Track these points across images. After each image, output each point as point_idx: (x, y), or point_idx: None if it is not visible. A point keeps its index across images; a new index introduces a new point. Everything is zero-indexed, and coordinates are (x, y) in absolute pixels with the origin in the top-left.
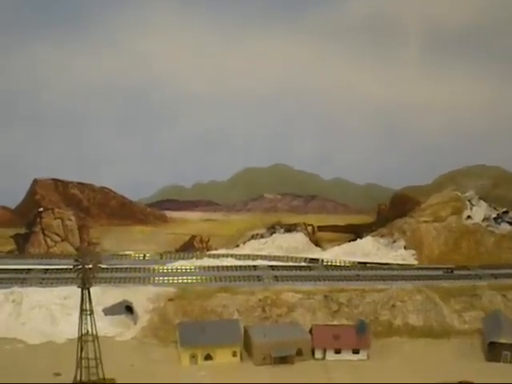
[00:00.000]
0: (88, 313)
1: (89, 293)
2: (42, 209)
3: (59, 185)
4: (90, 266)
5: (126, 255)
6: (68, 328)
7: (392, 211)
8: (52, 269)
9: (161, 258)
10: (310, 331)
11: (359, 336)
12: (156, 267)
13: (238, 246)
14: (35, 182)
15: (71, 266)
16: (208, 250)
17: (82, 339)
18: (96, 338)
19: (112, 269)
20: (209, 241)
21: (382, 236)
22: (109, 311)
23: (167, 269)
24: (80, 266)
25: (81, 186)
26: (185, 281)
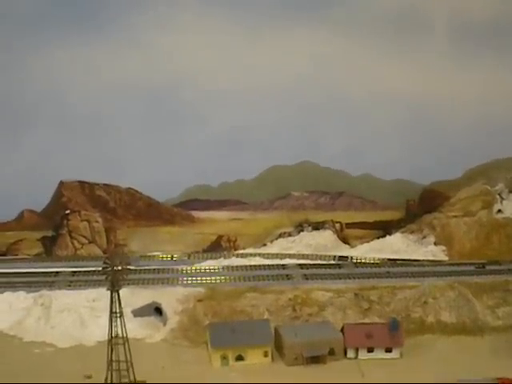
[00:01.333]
0: (118, 315)
1: (118, 295)
2: (68, 211)
3: (85, 187)
4: (119, 267)
5: (154, 256)
6: (97, 331)
7: (421, 207)
8: (80, 271)
9: (188, 259)
10: (342, 330)
11: (392, 334)
12: (184, 268)
13: (265, 244)
14: (61, 184)
15: (99, 268)
16: (235, 250)
17: (112, 341)
18: (126, 340)
19: (140, 270)
20: (236, 240)
21: (412, 232)
22: (138, 313)
23: (195, 269)
24: (109, 268)
25: (107, 187)
26: (213, 281)
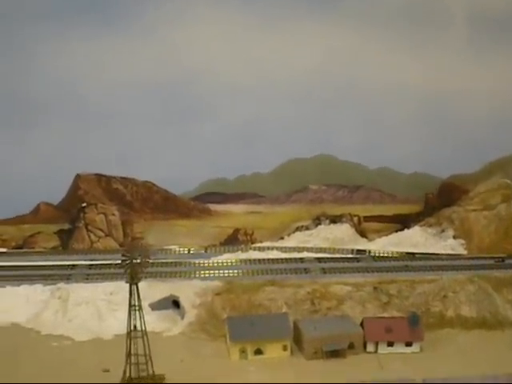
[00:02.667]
0: (137, 308)
1: (137, 288)
2: (85, 204)
3: (102, 180)
4: (139, 260)
5: (171, 249)
6: (115, 324)
7: (439, 200)
8: (97, 264)
9: (206, 252)
10: (361, 324)
11: (412, 328)
12: (201, 261)
13: (282, 238)
14: (78, 177)
15: (116, 262)
16: (252, 243)
17: (131, 335)
18: (145, 333)
19: (157, 263)
20: (253, 234)
21: (430, 226)
22: (156, 306)
23: (213, 262)
24: (128, 261)
25: (124, 180)
26: (231, 274)
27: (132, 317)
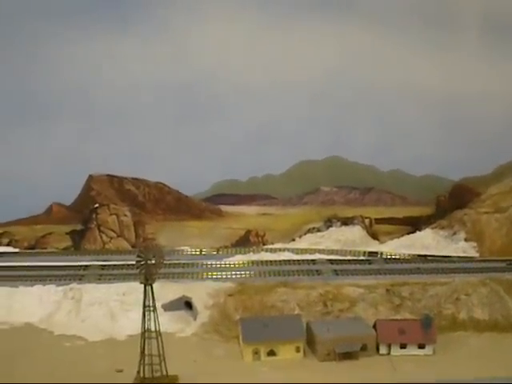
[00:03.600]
0: (151, 309)
1: (152, 289)
2: (97, 205)
3: (114, 181)
4: (153, 261)
5: (183, 250)
6: (127, 324)
7: (451, 203)
8: (109, 265)
9: (217, 253)
10: (374, 326)
11: (425, 330)
12: (214, 262)
13: (294, 240)
14: (90, 178)
15: (128, 262)
16: (264, 245)
17: (145, 335)
18: (159, 334)
19: (169, 264)
20: (264, 235)
21: (442, 228)
22: (168, 307)
23: (225, 264)
24: (143, 262)
25: (136, 181)
26: (243, 276)
27: (146, 317)
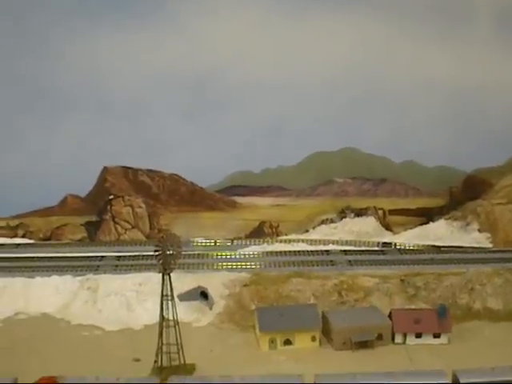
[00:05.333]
0: (169, 298)
1: (170, 278)
2: (112, 196)
3: (129, 172)
4: (171, 251)
5: (197, 241)
6: (144, 314)
7: (464, 194)
8: (125, 256)
9: (232, 244)
10: (390, 315)
11: (440, 320)
12: (229, 253)
13: (307, 231)
14: (105, 169)
15: (143, 253)
16: (278, 236)
17: (162, 324)
18: (177, 323)
19: (184, 255)
20: (278, 226)
21: (456, 219)
22: (184, 297)
23: (240, 254)
24: (161, 252)
25: (150, 173)
26: (258, 266)
27: (164, 307)
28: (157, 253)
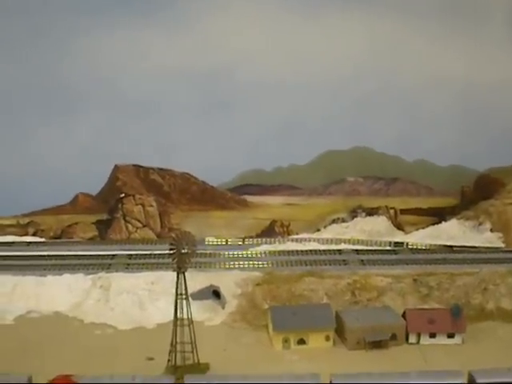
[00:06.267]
0: (183, 297)
1: (184, 277)
2: (123, 195)
3: (140, 171)
4: (186, 250)
5: (208, 240)
6: (156, 313)
7: (476, 193)
8: (136, 254)
9: (243, 243)
10: (403, 315)
11: (454, 320)
12: (240, 252)
13: (319, 230)
14: (116, 168)
15: (155, 252)
16: (289, 235)
17: (177, 323)
18: (191, 321)
19: (196, 254)
20: (289, 225)
21: (467, 219)
22: (196, 296)
23: (251, 253)
24: (175, 251)
25: (161, 171)
26: (270, 265)
27: (178, 305)
28: (171, 251)
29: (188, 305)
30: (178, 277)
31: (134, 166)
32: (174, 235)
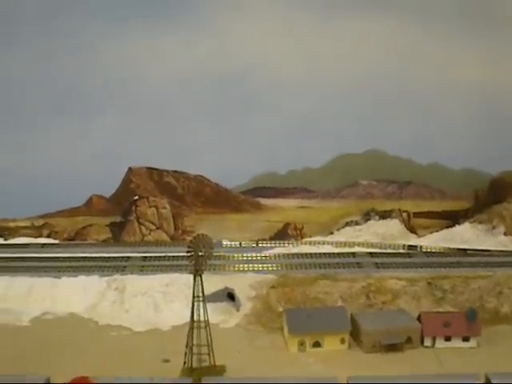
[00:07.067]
0: (200, 299)
1: (201, 279)
2: (137, 197)
3: (154, 173)
4: (203, 253)
5: (222, 243)
6: (171, 315)
7: (490, 197)
8: (151, 256)
9: (257, 246)
10: (419, 319)
11: (469, 323)
12: (254, 255)
13: (332, 233)
14: (130, 170)
15: (169, 254)
16: (302, 238)
17: (193, 325)
18: (208, 324)
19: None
20: (303, 228)
21: (481, 222)
22: (210, 298)
23: (265, 256)
24: (193, 253)
25: (175, 174)
26: (284, 268)
27: (195, 307)
28: (189, 254)
29: (205, 307)
30: (194, 279)
31: (148, 168)
32: (191, 238)
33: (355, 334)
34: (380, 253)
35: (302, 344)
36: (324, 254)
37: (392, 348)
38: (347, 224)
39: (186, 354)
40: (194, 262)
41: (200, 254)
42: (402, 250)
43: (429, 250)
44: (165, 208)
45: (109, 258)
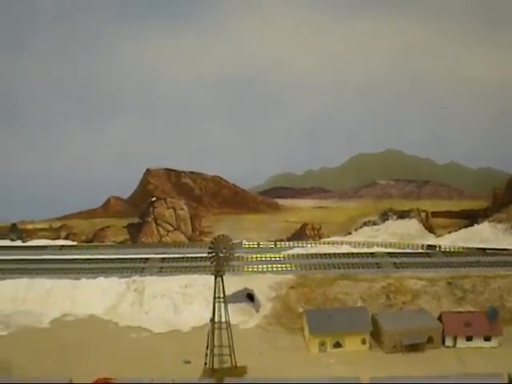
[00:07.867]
0: (221, 300)
1: (222, 280)
2: (154, 198)
3: (172, 174)
4: (224, 254)
5: (240, 243)
6: (191, 316)
7: (508, 196)
8: (169, 258)
9: (275, 246)
10: (439, 318)
11: (491, 323)
12: (272, 255)
13: (350, 233)
14: (148, 171)
15: (187, 255)
16: (320, 238)
17: (214, 326)
18: (229, 325)
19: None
20: (320, 228)
21: (499, 221)
22: (230, 299)
23: (284, 256)
24: (214, 254)
25: (193, 175)
26: (303, 268)
27: (216, 308)
28: (210, 255)
29: (226, 308)
30: (215, 280)
31: (166, 169)
32: (209, 239)
33: (376, 335)
34: (399, 253)
35: (322, 344)
36: (343, 254)
37: (413, 348)
38: (365, 224)
39: (206, 355)
40: (215, 262)
41: (221, 254)
42: (420, 250)
43: (448, 250)
44: (182, 209)
45: (127, 259)
